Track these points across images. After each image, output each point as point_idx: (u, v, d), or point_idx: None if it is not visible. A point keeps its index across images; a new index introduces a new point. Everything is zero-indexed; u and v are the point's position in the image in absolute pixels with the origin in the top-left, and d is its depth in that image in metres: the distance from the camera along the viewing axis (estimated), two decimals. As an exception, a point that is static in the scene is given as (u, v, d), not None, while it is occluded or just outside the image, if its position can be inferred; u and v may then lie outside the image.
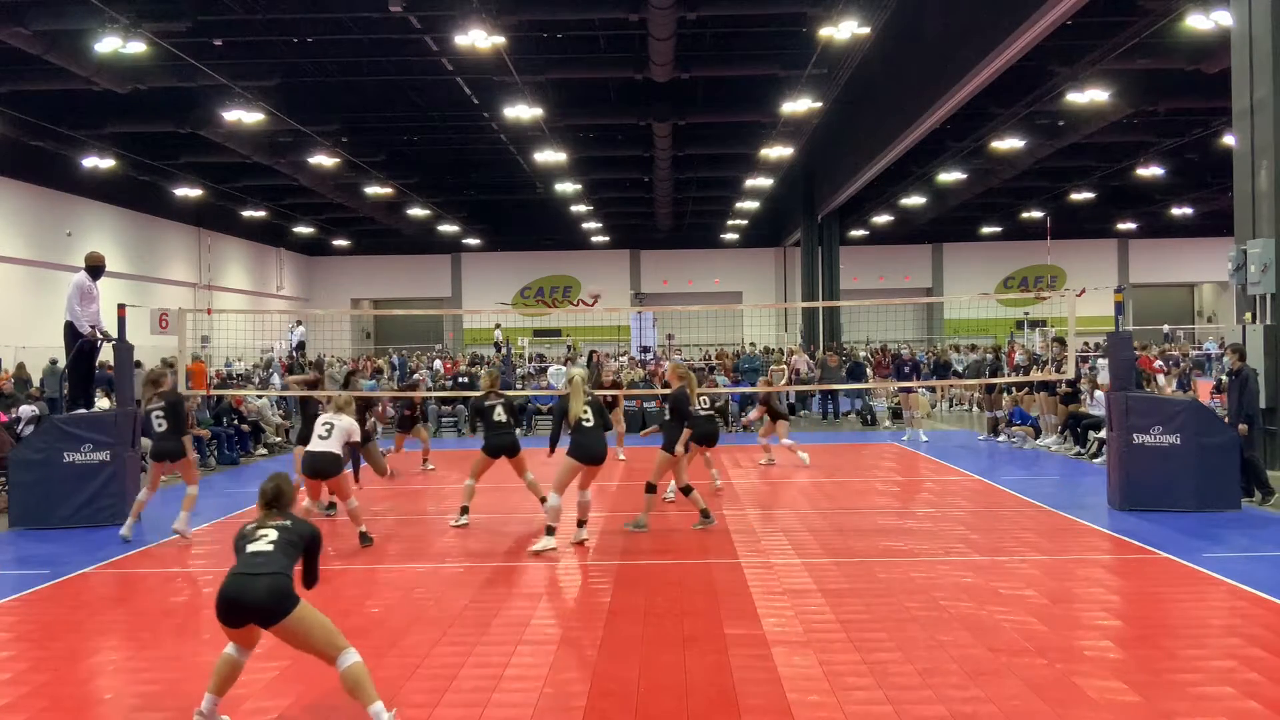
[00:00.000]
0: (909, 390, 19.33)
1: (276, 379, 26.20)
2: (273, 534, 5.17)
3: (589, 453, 9.42)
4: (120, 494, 11.09)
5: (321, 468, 9.60)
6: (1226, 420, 11.52)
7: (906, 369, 20.78)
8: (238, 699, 5.65)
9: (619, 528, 10.46)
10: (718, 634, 6.71)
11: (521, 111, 23.95)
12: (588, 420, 9.45)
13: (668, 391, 11.63)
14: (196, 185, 32.96)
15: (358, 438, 9.89)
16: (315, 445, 9.73)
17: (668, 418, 10.79)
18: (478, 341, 43.68)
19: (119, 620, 7.56)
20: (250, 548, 5.14)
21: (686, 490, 10.38)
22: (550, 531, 9.36)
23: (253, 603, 4.94)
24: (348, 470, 10.27)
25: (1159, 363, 25.16)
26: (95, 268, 11.69)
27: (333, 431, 9.73)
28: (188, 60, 20.21)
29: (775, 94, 23.97)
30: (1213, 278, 47.21)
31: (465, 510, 10.91)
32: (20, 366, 21.16)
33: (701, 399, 11.67)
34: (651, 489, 10.40)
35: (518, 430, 11.30)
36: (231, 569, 5.12)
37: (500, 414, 10.83)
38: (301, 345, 33.23)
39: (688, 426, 10.22)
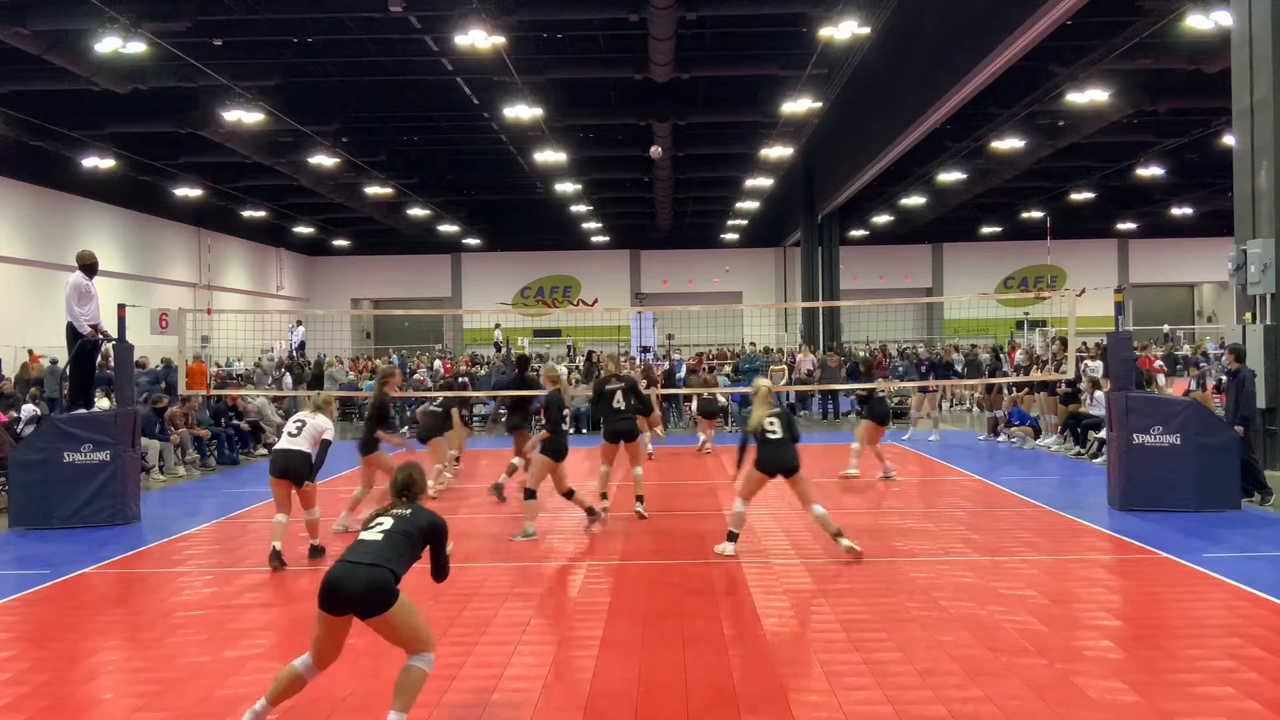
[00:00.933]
0: (926, 390, 19.29)
1: (289, 379, 26.20)
2: (388, 523, 5.11)
3: (776, 464, 8.83)
4: (119, 494, 11.08)
5: (291, 465, 8.89)
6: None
7: (923, 368, 20.72)
8: (237, 699, 5.65)
9: (618, 528, 10.46)
10: (718, 634, 6.71)
11: (521, 111, 23.94)
12: (774, 432, 8.82)
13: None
14: (196, 185, 32.95)
15: (330, 437, 9.10)
16: (284, 443, 9.01)
17: (544, 422, 10.20)
18: (478, 341, 43.71)
19: (119, 620, 7.55)
20: (363, 534, 5.09)
21: (569, 494, 10.11)
22: (732, 537, 9.03)
23: (349, 593, 4.87)
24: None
25: (1159, 362, 25.15)
26: (89, 266, 11.68)
27: (303, 429, 9.00)
28: (188, 60, 20.21)
29: (775, 94, 23.97)
30: (1213, 278, 47.22)
31: (604, 496, 11.02)
32: (24, 367, 21.13)
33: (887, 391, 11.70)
34: (531, 495, 9.97)
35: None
36: (342, 555, 5.08)
37: (619, 400, 10.85)
38: (302, 345, 33.26)
39: (549, 430, 9.96)
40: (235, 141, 26.87)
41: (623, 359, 26.88)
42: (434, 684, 5.83)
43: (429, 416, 13.31)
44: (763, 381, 9.52)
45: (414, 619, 5.02)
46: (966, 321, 47.08)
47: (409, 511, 5.21)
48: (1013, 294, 48.19)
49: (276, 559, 8.82)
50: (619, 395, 10.89)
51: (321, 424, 9.09)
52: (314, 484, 9.10)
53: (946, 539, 9.66)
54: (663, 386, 22.37)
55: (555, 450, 9.92)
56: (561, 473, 10.03)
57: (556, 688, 5.80)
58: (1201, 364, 25.25)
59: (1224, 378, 12.84)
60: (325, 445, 9.04)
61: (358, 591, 4.85)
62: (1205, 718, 5.20)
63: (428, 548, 5.25)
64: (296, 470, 8.89)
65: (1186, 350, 36.26)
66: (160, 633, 7.04)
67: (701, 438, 17.53)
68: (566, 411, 10.15)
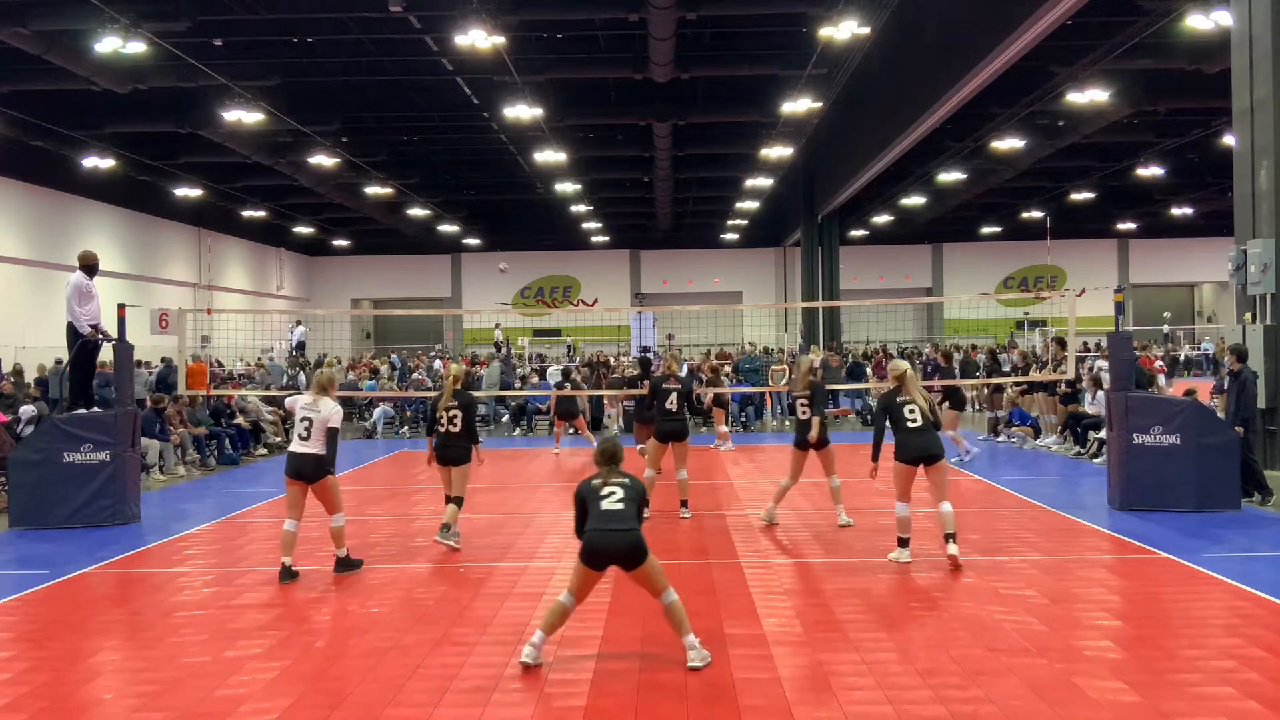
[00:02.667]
0: (930, 390, 19.23)
1: (303, 377, 26.10)
2: (619, 492, 6.15)
3: (916, 452, 8.49)
4: (119, 494, 11.08)
5: (302, 468, 8.33)
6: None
7: (930, 369, 20.67)
8: (237, 699, 5.66)
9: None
10: (718, 634, 6.71)
11: (521, 111, 23.95)
12: (914, 420, 8.49)
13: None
14: (196, 185, 32.98)
15: (336, 424, 8.39)
16: (296, 445, 8.40)
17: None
18: (477, 341, 43.72)
19: (119, 620, 7.55)
20: (604, 505, 6.10)
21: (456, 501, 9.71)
22: (902, 543, 8.64)
23: (617, 553, 6.04)
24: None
25: (1159, 362, 25.12)
26: (90, 266, 11.70)
27: (312, 428, 8.30)
28: (188, 60, 20.22)
29: (775, 94, 23.97)
30: (1213, 278, 47.27)
31: (647, 503, 10.91)
32: (15, 367, 21.06)
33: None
34: (459, 502, 9.58)
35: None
36: (594, 524, 6.08)
37: (673, 401, 10.83)
38: (301, 345, 33.26)
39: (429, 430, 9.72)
40: (235, 141, 26.89)
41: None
42: (433, 684, 5.86)
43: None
44: (902, 364, 8.93)
45: (658, 564, 6.18)
46: (966, 321, 47.12)
47: (627, 479, 6.25)
48: (1013, 294, 48.22)
49: (288, 575, 8.31)
50: (674, 397, 10.87)
51: (327, 413, 8.37)
52: (333, 477, 8.47)
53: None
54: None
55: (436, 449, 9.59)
56: (445, 476, 9.61)
57: (557, 688, 5.80)
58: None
59: (1226, 378, 12.84)
60: (333, 434, 8.37)
61: (624, 551, 6.04)
62: (1205, 718, 5.19)
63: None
64: (310, 473, 8.38)
65: (1187, 350, 36.28)
66: (160, 633, 7.03)
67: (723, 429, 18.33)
68: (440, 414, 9.48)
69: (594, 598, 7.78)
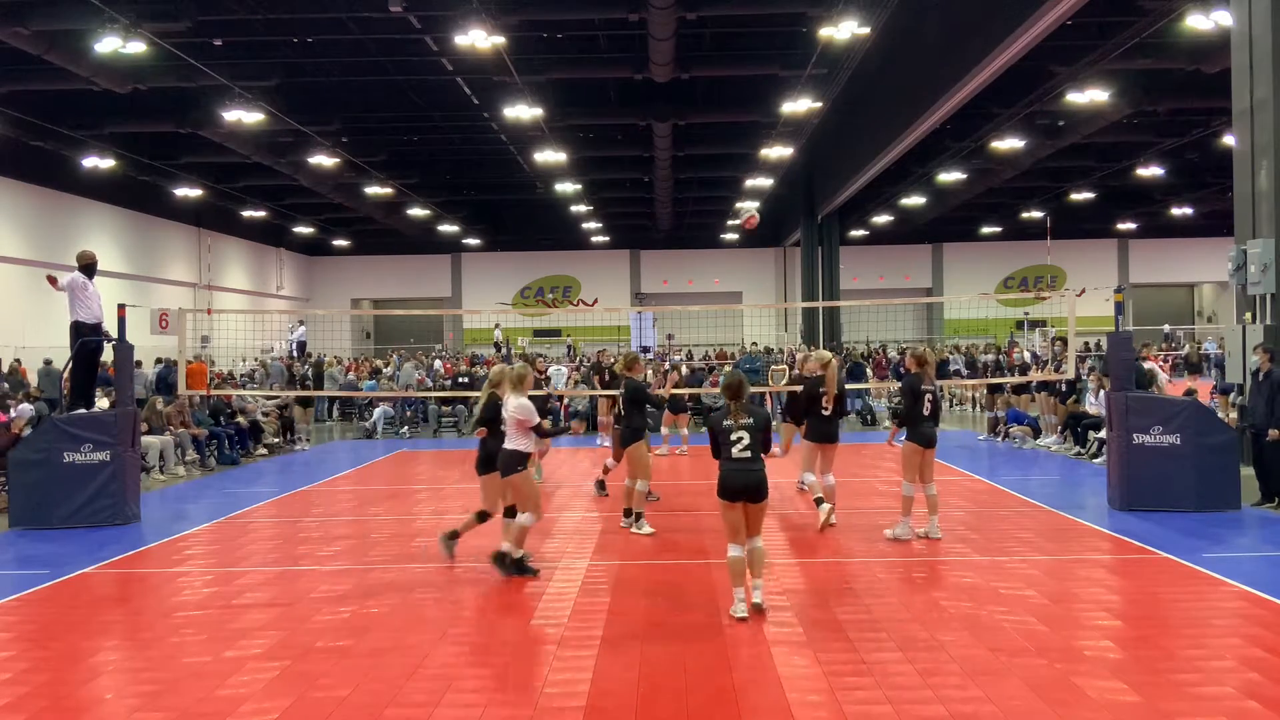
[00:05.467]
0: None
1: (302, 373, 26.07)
2: (746, 438, 6.94)
3: (824, 435, 10.17)
4: (119, 494, 11.08)
5: (501, 461, 8.31)
6: (1247, 426, 11.35)
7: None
8: (237, 699, 5.66)
9: (616, 528, 10.46)
10: (718, 634, 6.71)
11: (521, 111, 23.94)
12: (825, 409, 10.07)
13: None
14: (196, 185, 32.95)
15: (536, 420, 8.22)
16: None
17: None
18: (477, 341, 43.70)
19: (119, 620, 7.56)
20: (735, 452, 6.95)
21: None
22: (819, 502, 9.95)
23: (746, 487, 6.93)
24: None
25: (1160, 361, 25.11)
26: (88, 266, 11.70)
27: (506, 425, 8.27)
28: (188, 60, 20.20)
29: (775, 94, 23.96)
30: (1213, 278, 47.23)
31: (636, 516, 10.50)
32: (16, 365, 21.08)
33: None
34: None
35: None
36: (727, 465, 6.97)
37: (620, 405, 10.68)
38: (302, 345, 33.25)
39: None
40: (235, 141, 26.87)
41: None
42: (434, 684, 5.86)
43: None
44: (826, 353, 10.16)
45: (765, 510, 7.17)
46: (966, 321, 47.09)
47: (750, 420, 6.97)
48: (1013, 294, 48.20)
49: (502, 562, 8.33)
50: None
51: (514, 409, 8.18)
52: (526, 473, 8.24)
53: (947, 539, 9.64)
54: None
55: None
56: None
57: (557, 687, 5.80)
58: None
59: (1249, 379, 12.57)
60: (537, 430, 8.25)
61: (751, 487, 6.93)
62: (1205, 718, 5.20)
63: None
64: (503, 468, 8.29)
65: (1187, 350, 36.29)
66: (160, 633, 7.04)
67: (684, 433, 17.35)
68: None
69: (594, 597, 7.81)
